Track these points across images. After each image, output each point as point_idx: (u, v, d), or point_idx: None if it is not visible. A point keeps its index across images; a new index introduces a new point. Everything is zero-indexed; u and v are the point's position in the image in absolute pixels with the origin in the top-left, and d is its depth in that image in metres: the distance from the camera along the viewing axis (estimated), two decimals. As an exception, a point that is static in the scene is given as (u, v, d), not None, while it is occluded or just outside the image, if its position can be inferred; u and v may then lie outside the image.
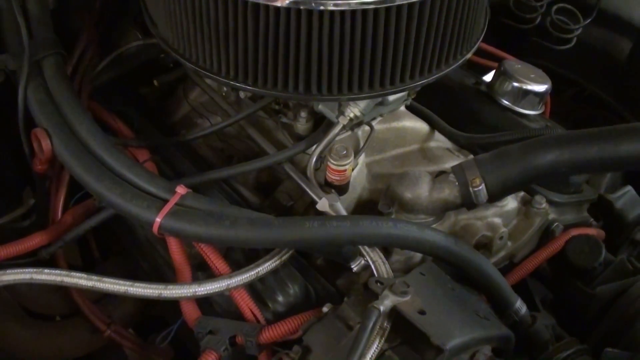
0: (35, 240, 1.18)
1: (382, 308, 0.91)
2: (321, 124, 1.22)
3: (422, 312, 0.93)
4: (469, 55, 1.17)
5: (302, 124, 1.23)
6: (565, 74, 1.83)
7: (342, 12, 0.97)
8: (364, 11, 0.98)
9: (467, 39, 1.15)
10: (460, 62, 1.14)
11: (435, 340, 0.88)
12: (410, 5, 0.99)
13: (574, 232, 1.31)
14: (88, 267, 1.48)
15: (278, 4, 0.97)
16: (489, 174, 1.15)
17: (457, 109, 1.46)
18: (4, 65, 1.22)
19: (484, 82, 1.49)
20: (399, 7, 0.99)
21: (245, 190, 1.32)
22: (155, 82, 1.43)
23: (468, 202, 1.17)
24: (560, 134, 1.25)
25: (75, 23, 1.41)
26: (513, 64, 1.44)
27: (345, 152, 1.13)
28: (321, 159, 1.19)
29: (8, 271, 1.07)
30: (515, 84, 1.40)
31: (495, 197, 1.17)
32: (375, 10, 0.98)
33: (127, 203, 1.08)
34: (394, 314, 0.94)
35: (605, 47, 1.80)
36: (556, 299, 1.31)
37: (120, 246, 1.43)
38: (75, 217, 1.25)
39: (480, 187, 1.14)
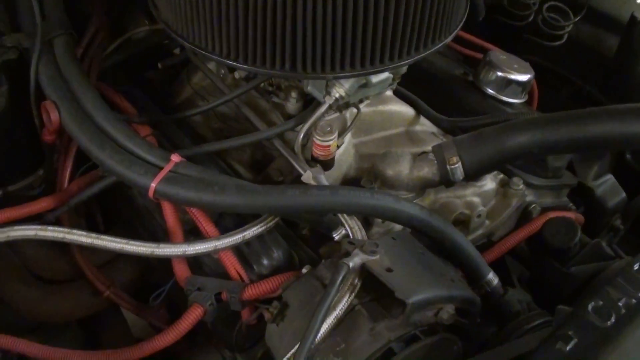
0: (42, 204, 1.28)
1: (351, 264, 1.00)
2: (310, 104, 1.31)
3: (389, 270, 1.01)
4: (447, 41, 1.24)
5: (292, 104, 1.32)
6: (557, 69, 1.90)
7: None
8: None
9: (446, 24, 1.22)
10: (438, 46, 1.22)
11: (399, 295, 0.96)
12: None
13: (552, 214, 1.38)
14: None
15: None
16: (466, 154, 1.23)
17: (443, 96, 1.54)
18: (18, 43, 1.31)
19: (471, 72, 1.56)
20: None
21: (240, 166, 1.41)
22: (159, 65, 1.52)
23: (445, 180, 1.25)
24: (533, 118, 1.32)
25: (87, 8, 1.50)
26: (498, 54, 1.52)
27: (329, 129, 1.22)
28: (308, 136, 1.27)
29: (15, 227, 1.17)
30: (499, 74, 1.48)
31: (471, 175, 1.26)
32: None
33: (126, 170, 1.16)
34: (365, 273, 1.03)
35: (595, 44, 1.86)
36: (533, 277, 1.38)
37: (123, 218, 1.52)
38: (80, 186, 1.34)
39: (457, 165, 1.23)
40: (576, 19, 1.85)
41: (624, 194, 1.56)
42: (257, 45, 1.12)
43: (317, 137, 1.22)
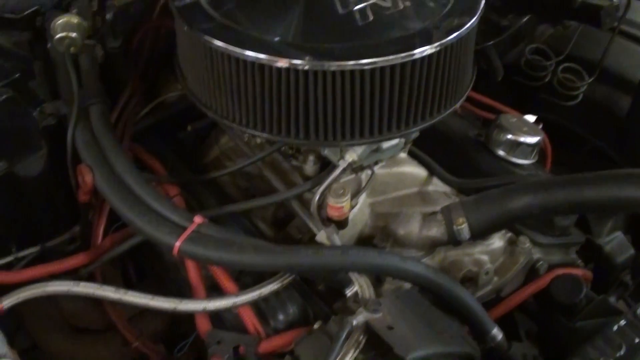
0: (76, 260, 1.39)
1: (354, 322, 1.07)
2: (327, 167, 1.40)
3: (390, 327, 1.08)
4: (453, 108, 1.33)
5: (309, 166, 1.41)
6: (572, 128, 1.96)
7: (334, 73, 1.15)
8: (354, 72, 1.16)
9: (452, 93, 1.31)
10: (444, 114, 1.30)
11: (397, 351, 1.03)
12: (392, 67, 1.17)
13: (559, 271, 1.44)
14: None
15: (279, 64, 1.15)
16: (472, 215, 1.31)
17: (457, 157, 1.61)
18: (57, 110, 1.42)
19: (485, 133, 1.64)
20: (388, 67, 1.16)
21: (263, 224, 1.50)
22: (189, 128, 1.62)
23: (453, 240, 1.33)
24: (535, 181, 1.39)
25: (123, 74, 1.62)
26: (508, 117, 1.59)
27: (342, 191, 1.30)
28: (324, 197, 1.35)
29: (50, 282, 1.27)
30: (509, 136, 1.55)
31: (477, 235, 1.33)
32: (364, 71, 1.16)
33: (153, 230, 1.26)
34: (369, 330, 1.10)
35: (609, 103, 1.93)
36: (541, 331, 1.44)
37: (154, 271, 1.61)
38: (113, 242, 1.44)
39: (463, 226, 1.30)
40: (590, 80, 1.91)
41: (632, 250, 1.61)
42: (273, 116, 1.22)
43: (331, 199, 1.30)
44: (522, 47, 2.04)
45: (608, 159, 1.92)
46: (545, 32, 2.09)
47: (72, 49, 1.40)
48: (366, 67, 1.15)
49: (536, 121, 1.95)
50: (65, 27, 1.41)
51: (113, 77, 1.60)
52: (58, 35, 1.40)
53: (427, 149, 1.58)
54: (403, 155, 1.51)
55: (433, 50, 1.19)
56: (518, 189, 1.30)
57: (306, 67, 1.15)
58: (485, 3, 1.79)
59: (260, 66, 1.17)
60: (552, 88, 1.97)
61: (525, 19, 2.00)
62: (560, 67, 1.95)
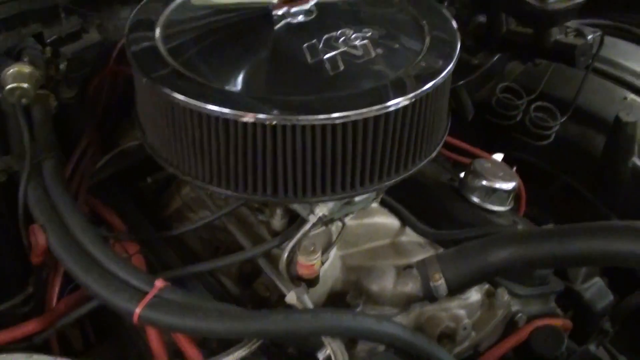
0: (29, 327, 1.28)
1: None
2: (296, 220, 1.33)
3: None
4: (430, 157, 1.27)
5: (277, 221, 1.34)
6: (545, 167, 1.92)
7: (304, 127, 1.09)
8: (325, 126, 1.09)
9: (427, 145, 1.25)
10: (418, 166, 1.24)
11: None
12: (365, 121, 1.10)
13: (538, 322, 1.39)
14: (86, 350, 1.57)
15: (244, 119, 1.08)
16: (449, 270, 1.24)
17: (430, 205, 1.55)
18: (7, 166, 1.34)
19: (458, 178, 1.58)
20: (361, 121, 1.10)
21: (227, 280, 1.42)
22: (148, 179, 1.54)
23: (429, 296, 1.26)
24: (515, 233, 1.34)
25: (79, 124, 1.53)
26: (483, 162, 1.54)
27: (312, 248, 1.23)
28: (293, 253, 1.28)
29: (1, 355, 1.18)
30: (484, 182, 1.49)
31: (454, 290, 1.27)
32: (335, 126, 1.09)
33: (111, 294, 1.17)
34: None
35: (582, 142, 1.89)
36: (522, 385, 1.38)
37: (113, 332, 1.52)
38: (68, 306, 1.35)
39: (440, 282, 1.24)
40: (563, 119, 1.88)
41: (612, 297, 1.56)
42: (238, 173, 1.15)
43: (301, 257, 1.23)
44: (493, 86, 2.01)
45: (579, 197, 1.88)
46: (516, 69, 2.06)
47: (23, 100, 1.33)
48: (337, 121, 1.09)
49: (505, 159, 1.93)
50: (17, 77, 1.33)
51: (68, 127, 1.52)
52: (9, 86, 1.32)
53: (398, 196, 1.52)
54: (375, 205, 1.45)
55: (408, 101, 1.13)
56: (498, 242, 1.24)
57: (273, 122, 1.08)
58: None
59: (224, 121, 1.10)
60: (524, 127, 1.92)
61: (496, 58, 1.97)
62: (532, 106, 1.91)
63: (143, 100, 1.26)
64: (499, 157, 1.98)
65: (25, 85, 1.32)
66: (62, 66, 1.38)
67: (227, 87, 1.14)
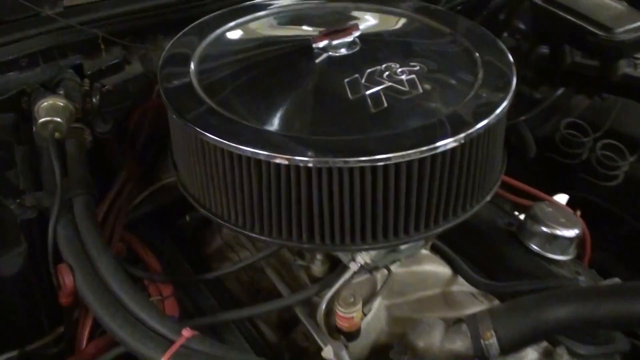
0: (57, 369, 1.23)
1: None
2: (338, 265, 1.24)
3: None
4: (482, 203, 1.17)
5: (317, 266, 1.25)
6: (612, 209, 1.79)
7: (341, 170, 1.00)
8: (364, 169, 1.00)
9: (481, 186, 1.15)
10: (469, 213, 1.14)
11: None
12: (409, 163, 1.01)
13: (601, 385, 1.26)
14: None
15: (278, 161, 1.00)
16: (502, 327, 1.13)
17: (485, 251, 1.44)
18: (38, 202, 1.28)
19: (516, 222, 1.47)
20: (405, 164, 1.01)
21: (266, 327, 1.34)
22: (187, 217, 1.48)
23: (480, 355, 1.15)
24: (577, 289, 1.22)
25: (116, 159, 1.48)
26: (544, 206, 1.42)
27: (352, 299, 1.14)
28: (333, 302, 1.19)
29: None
30: (544, 228, 1.38)
31: (508, 350, 1.14)
32: (376, 168, 1.00)
33: (136, 342, 1.10)
34: None
35: (653, 183, 1.76)
36: None
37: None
38: (98, 348, 1.28)
39: (492, 341, 1.12)
40: (632, 158, 1.74)
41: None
42: (272, 218, 1.07)
43: (340, 309, 1.14)
44: (556, 121, 1.89)
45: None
46: (581, 104, 1.93)
47: (56, 135, 1.28)
48: (379, 164, 1.00)
49: (570, 201, 1.80)
50: (50, 110, 1.29)
51: (105, 162, 1.47)
52: (42, 120, 1.28)
53: (451, 240, 1.42)
54: (424, 251, 1.35)
55: (457, 142, 1.03)
56: (557, 298, 1.12)
57: (309, 164, 1.00)
58: (516, 75, 1.64)
59: (257, 162, 1.02)
60: (590, 166, 1.80)
61: (559, 92, 1.85)
62: (599, 144, 1.78)
63: (176, 138, 1.20)
64: (562, 198, 1.85)
65: (58, 119, 1.28)
66: (95, 100, 1.33)
67: (261, 126, 1.06)
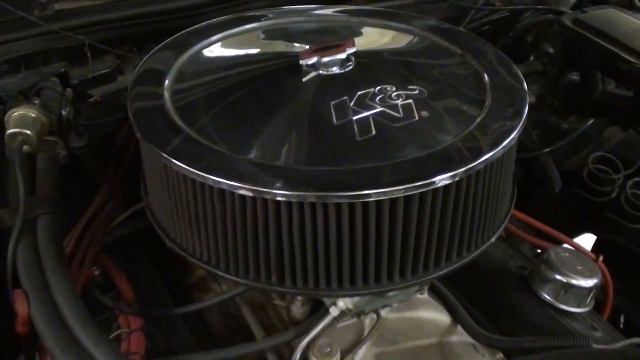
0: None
1: None
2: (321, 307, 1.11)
3: None
4: (486, 246, 1.04)
5: (297, 308, 1.13)
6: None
7: (314, 205, 0.88)
8: (340, 205, 0.87)
9: (481, 230, 1.02)
10: (472, 256, 1.01)
11: None
12: (393, 201, 0.88)
13: None
14: None
15: (242, 192, 0.88)
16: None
17: (492, 296, 1.31)
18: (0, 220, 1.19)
19: (529, 266, 1.33)
20: (388, 201, 0.88)
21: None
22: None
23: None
24: (590, 351, 1.07)
25: (97, 175, 1.38)
26: (560, 251, 1.28)
27: (329, 349, 1.01)
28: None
29: None
30: (558, 276, 1.23)
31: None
32: (353, 205, 0.88)
33: None
34: None
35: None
36: None
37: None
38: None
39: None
40: (665, 199, 1.59)
41: None
42: (238, 256, 0.95)
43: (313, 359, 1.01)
44: (585, 155, 1.73)
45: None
46: (613, 137, 1.77)
47: (25, 148, 1.18)
48: (357, 201, 0.87)
49: (595, 242, 1.66)
50: (19, 121, 1.19)
51: (88, 177, 1.37)
52: (9, 131, 1.18)
53: (453, 281, 1.28)
54: (421, 295, 1.21)
55: (451, 180, 0.90)
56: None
57: (278, 197, 0.87)
58: (543, 103, 1.51)
59: (221, 192, 0.90)
60: (619, 205, 1.64)
61: (589, 123, 1.70)
62: (630, 182, 1.62)
63: (145, 161, 1.09)
64: (587, 238, 1.70)
65: (27, 131, 1.17)
66: (65, 112, 1.22)
67: (232, 151, 0.94)
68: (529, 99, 1.08)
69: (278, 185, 0.87)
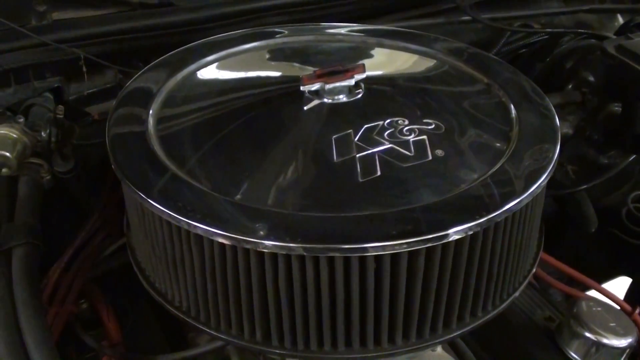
0: None
1: None
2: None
3: None
4: (500, 310, 0.91)
5: (292, 363, 1.01)
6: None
7: (303, 259, 0.76)
8: (333, 259, 0.76)
9: (500, 286, 0.89)
10: (483, 319, 0.89)
11: None
12: (395, 257, 0.76)
13: None
14: None
15: (220, 240, 0.76)
16: None
17: (513, 350, 1.18)
18: (-28, 250, 1.09)
19: (558, 319, 1.20)
20: (385, 257, 0.76)
21: None
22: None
23: None
24: None
25: (84, 201, 1.27)
26: (591, 305, 1.14)
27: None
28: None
29: None
30: (587, 334, 1.10)
31: None
32: (349, 260, 0.76)
33: None
34: None
35: None
36: None
37: None
38: None
39: None
40: None
41: None
42: (219, 308, 0.84)
43: None
44: (625, 192, 1.61)
45: None
46: (657, 175, 1.64)
47: (4, 171, 1.08)
48: (353, 254, 0.75)
49: (633, 286, 1.52)
50: (-1, 142, 1.09)
51: (81, 200, 1.27)
52: (-13, 152, 1.08)
53: (472, 332, 1.15)
54: (433, 352, 1.09)
55: (465, 233, 0.77)
56: None
57: (260, 248, 0.75)
58: (580, 135, 1.38)
59: (197, 238, 0.79)
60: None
61: (631, 159, 1.56)
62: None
63: (125, 195, 0.98)
64: (623, 283, 1.57)
65: (6, 153, 1.08)
66: (44, 134, 1.12)
67: (215, 191, 0.82)
68: (565, 130, 0.96)
69: (261, 233, 0.75)
